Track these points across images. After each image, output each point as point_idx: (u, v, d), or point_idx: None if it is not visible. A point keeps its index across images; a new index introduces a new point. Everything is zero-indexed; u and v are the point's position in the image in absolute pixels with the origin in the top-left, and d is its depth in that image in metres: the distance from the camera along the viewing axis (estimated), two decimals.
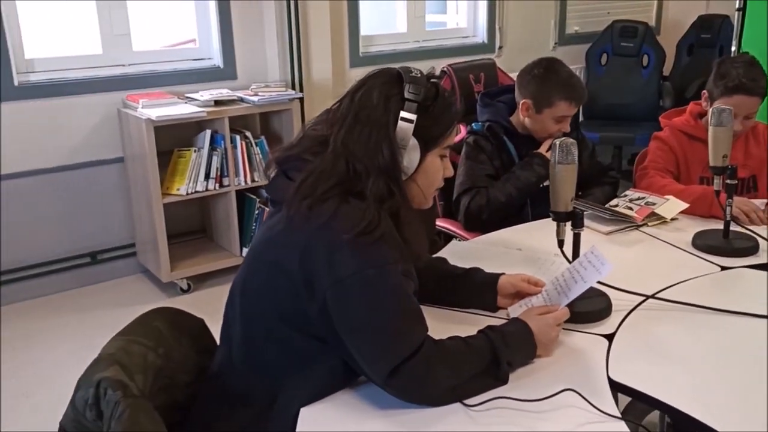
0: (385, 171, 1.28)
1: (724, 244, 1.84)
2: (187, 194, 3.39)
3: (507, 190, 2.17)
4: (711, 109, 1.84)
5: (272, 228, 1.32)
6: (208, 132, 3.44)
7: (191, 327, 1.45)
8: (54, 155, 3.37)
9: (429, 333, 1.26)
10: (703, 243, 1.87)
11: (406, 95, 1.30)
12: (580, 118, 4.93)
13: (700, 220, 2.07)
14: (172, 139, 3.49)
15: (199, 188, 3.42)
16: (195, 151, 3.43)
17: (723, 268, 1.77)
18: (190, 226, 3.83)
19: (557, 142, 1.51)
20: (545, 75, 2.20)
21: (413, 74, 1.33)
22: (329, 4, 3.89)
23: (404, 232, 1.32)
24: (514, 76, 2.38)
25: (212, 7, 3.69)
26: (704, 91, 2.29)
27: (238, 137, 3.50)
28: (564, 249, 1.55)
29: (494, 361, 1.27)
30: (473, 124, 2.38)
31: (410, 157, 1.32)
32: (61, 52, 3.41)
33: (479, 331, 1.33)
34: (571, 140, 1.52)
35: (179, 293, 3.46)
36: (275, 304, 1.27)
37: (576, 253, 1.53)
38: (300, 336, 1.27)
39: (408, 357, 1.20)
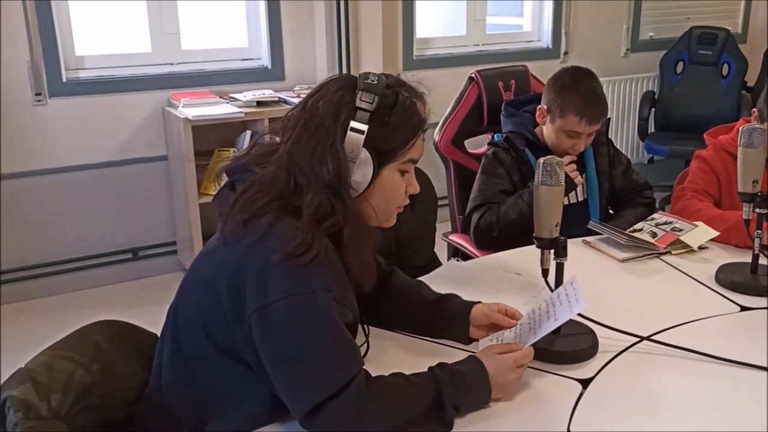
0: (329, 186, 1.18)
1: (750, 281, 1.62)
2: None
3: (519, 207, 2.01)
4: (741, 128, 1.63)
5: (210, 243, 1.25)
6: (248, 133, 3.43)
7: (140, 341, 1.38)
8: (100, 151, 3.44)
9: (387, 364, 1.14)
10: (727, 278, 1.65)
11: (358, 103, 1.19)
12: (650, 129, 4.64)
13: (733, 251, 1.85)
14: (216, 139, 3.50)
15: None
16: (234, 151, 3.42)
17: (743, 308, 1.55)
18: None
19: (541, 160, 1.36)
20: (566, 84, 2.03)
21: (369, 80, 1.21)
22: (382, 5, 3.81)
23: (346, 255, 1.20)
24: None
25: (262, 7, 3.67)
26: (754, 109, 2.05)
27: (278, 138, 3.46)
28: (549, 279, 1.39)
29: (438, 403, 1.15)
30: (495, 135, 2.23)
31: (362, 172, 1.21)
32: (111, 50, 3.47)
33: (428, 368, 1.20)
34: (558, 159, 1.36)
35: None
36: (205, 325, 1.19)
37: (558, 286, 1.37)
38: (229, 361, 1.18)
39: (334, 394, 1.09)
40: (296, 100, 3.42)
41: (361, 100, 1.19)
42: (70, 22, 3.30)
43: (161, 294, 3.47)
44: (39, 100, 3.25)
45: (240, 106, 3.37)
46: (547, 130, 2.10)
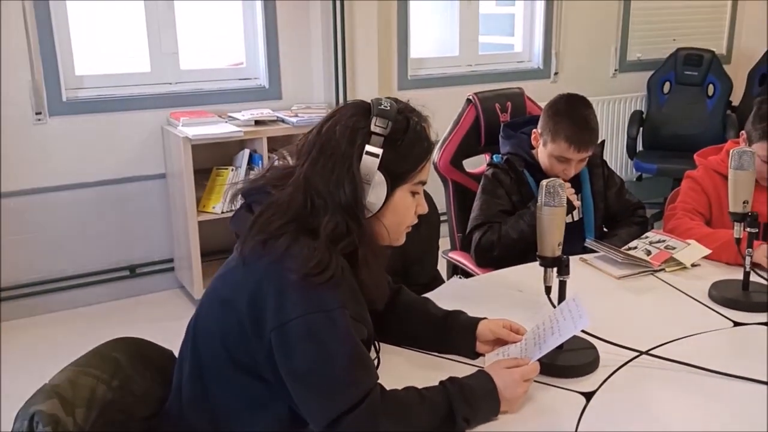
0: (345, 208, 1.23)
1: (742, 297, 1.69)
2: (222, 213, 3.43)
3: (519, 227, 2.06)
4: (731, 151, 1.70)
5: (228, 263, 1.29)
6: (247, 152, 3.48)
7: (156, 358, 1.42)
8: (99, 169, 3.47)
9: (398, 379, 1.19)
10: (720, 294, 1.72)
11: (373, 128, 1.25)
12: (639, 147, 4.73)
13: (724, 268, 1.91)
14: (214, 157, 3.55)
15: (234, 207, 3.44)
16: (232, 170, 3.47)
17: (736, 324, 1.62)
18: (229, 244, 3.82)
19: (544, 183, 1.42)
20: (560, 111, 2.10)
21: (382, 107, 1.27)
22: (377, 26, 3.88)
23: (361, 273, 1.26)
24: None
25: (260, 28, 3.73)
26: (743, 131, 2.13)
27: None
28: (552, 296, 1.45)
29: (449, 416, 1.20)
30: (494, 156, 2.30)
31: (376, 194, 1.26)
32: (111, 70, 3.51)
33: (440, 383, 1.25)
34: (560, 181, 1.42)
35: None
36: (225, 343, 1.23)
37: (561, 303, 1.43)
38: (248, 378, 1.22)
39: (351, 408, 1.14)
40: (294, 120, 3.50)
41: (375, 125, 1.24)
42: (71, 42, 3.34)
43: (158, 311, 3.53)
44: (39, 119, 3.29)
45: (239, 125, 3.42)
46: (540, 154, 2.17)
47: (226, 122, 3.47)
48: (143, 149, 3.56)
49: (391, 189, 1.28)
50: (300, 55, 3.83)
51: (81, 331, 3.27)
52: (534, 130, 2.18)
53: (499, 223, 2.13)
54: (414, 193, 1.34)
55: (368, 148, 1.24)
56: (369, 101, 1.30)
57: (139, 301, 3.63)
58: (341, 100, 3.86)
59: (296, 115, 3.56)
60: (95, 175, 3.47)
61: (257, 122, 3.50)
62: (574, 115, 2.08)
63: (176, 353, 1.37)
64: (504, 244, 2.09)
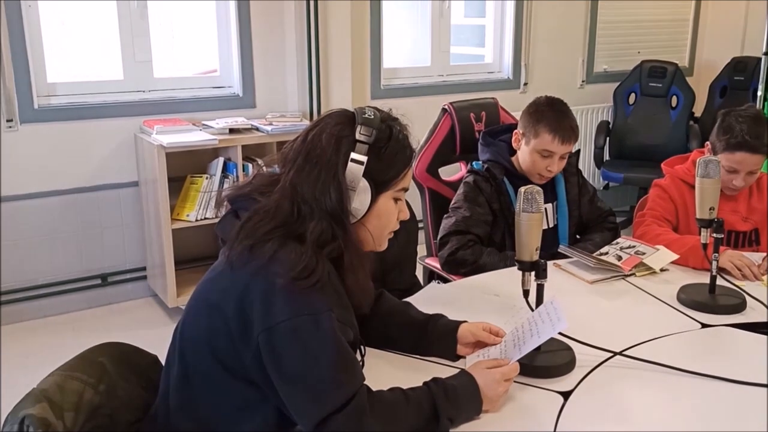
0: (331, 213, 1.26)
1: (709, 300, 1.76)
2: (196, 220, 3.42)
3: (495, 265, 2.09)
4: (698, 160, 1.77)
5: (215, 269, 1.31)
6: (221, 159, 3.48)
7: (141, 363, 1.44)
8: (71, 177, 3.45)
9: (382, 381, 1.22)
10: (688, 297, 1.79)
11: (358, 137, 1.28)
12: (606, 157, 4.85)
13: (692, 272, 1.99)
14: (187, 165, 3.54)
15: (209, 215, 3.45)
16: (207, 178, 3.47)
17: (704, 326, 1.69)
18: (203, 252, 3.85)
19: (522, 189, 1.47)
20: (541, 109, 2.17)
21: (366, 115, 1.31)
22: (351, 36, 3.92)
23: (346, 278, 1.29)
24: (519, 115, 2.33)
25: (234, 37, 3.75)
26: (707, 142, 2.21)
27: (250, 165, 3.53)
28: (529, 299, 1.50)
29: (433, 416, 1.23)
30: (473, 163, 2.34)
31: (361, 200, 1.30)
32: (83, 77, 3.50)
33: (423, 383, 1.29)
34: (537, 188, 1.47)
35: None
36: (212, 346, 1.25)
37: (539, 305, 1.47)
38: (235, 381, 1.24)
39: (339, 408, 1.16)
40: (269, 128, 3.52)
41: (360, 133, 1.28)
42: (43, 49, 3.32)
43: (131, 320, 3.51)
44: (10, 126, 3.26)
45: (213, 133, 3.43)
46: (522, 154, 2.22)
47: (201, 130, 3.47)
48: (116, 157, 3.55)
49: (375, 195, 1.31)
50: (274, 63, 3.85)
51: (52, 340, 3.24)
52: (515, 131, 2.24)
53: (479, 242, 2.17)
54: (396, 200, 1.38)
55: (353, 155, 1.28)
56: (352, 110, 1.34)
57: (111, 310, 3.61)
58: (315, 109, 3.89)
59: (271, 124, 3.58)
60: (67, 183, 3.44)
61: (232, 130, 3.51)
62: (555, 110, 2.16)
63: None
64: (476, 269, 2.11)
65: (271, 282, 1.19)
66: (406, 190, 1.39)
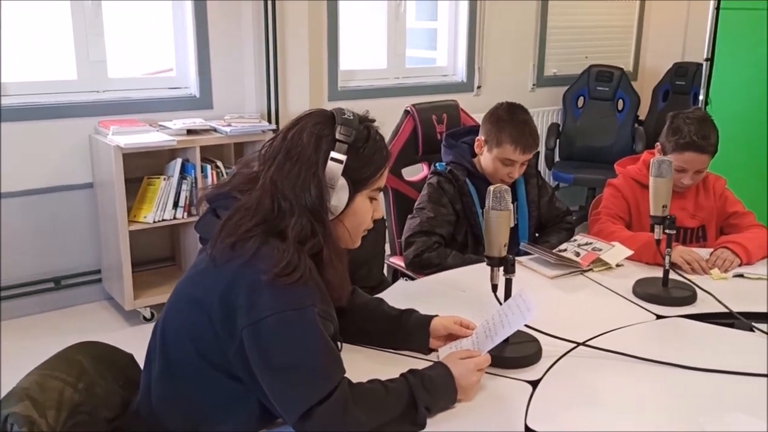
0: (311, 210, 1.30)
1: (662, 293, 1.86)
2: (154, 222, 3.40)
3: (458, 265, 2.15)
4: (651, 160, 1.87)
5: (196, 266, 1.33)
6: (179, 161, 3.46)
7: (118, 361, 1.45)
8: (23, 179, 3.38)
9: (359, 374, 1.26)
10: (643, 291, 1.88)
11: (338, 136, 1.32)
12: (556, 158, 4.99)
13: (645, 267, 2.09)
14: (144, 167, 3.51)
15: (167, 216, 3.43)
16: (165, 179, 3.44)
17: (658, 317, 1.78)
18: (160, 254, 3.83)
19: (491, 188, 1.54)
20: (502, 117, 2.24)
21: (346, 116, 1.35)
22: (308, 38, 3.95)
23: (326, 273, 1.33)
24: (480, 117, 2.40)
25: (190, 37, 3.73)
26: (657, 143, 2.33)
27: (209, 167, 3.52)
28: (498, 294, 1.56)
29: (412, 405, 1.28)
30: (437, 165, 2.40)
31: (339, 197, 1.34)
32: (36, 77, 3.43)
33: (401, 375, 1.33)
34: (505, 187, 1.54)
35: (142, 322, 3.44)
36: (195, 342, 1.27)
37: (507, 299, 1.54)
38: (219, 375, 1.27)
39: (322, 399, 1.20)
40: (228, 129, 3.52)
41: (340, 133, 1.32)
42: None
43: (86, 323, 3.45)
44: None
45: (171, 134, 3.41)
46: (484, 160, 2.30)
47: (158, 131, 3.45)
48: (69, 158, 3.49)
49: (353, 194, 1.36)
50: (231, 64, 3.85)
51: (5, 346, 3.16)
52: (477, 138, 2.31)
53: (444, 242, 2.22)
54: (372, 199, 1.42)
55: (333, 154, 1.32)
56: (331, 111, 1.38)
57: (65, 314, 3.54)
58: (273, 110, 3.90)
59: (229, 125, 3.57)
60: (19, 184, 3.37)
61: (190, 131, 3.49)
62: (515, 120, 2.23)
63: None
64: (440, 270, 2.16)
65: (256, 278, 1.22)
66: (380, 189, 1.44)
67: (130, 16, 3.71)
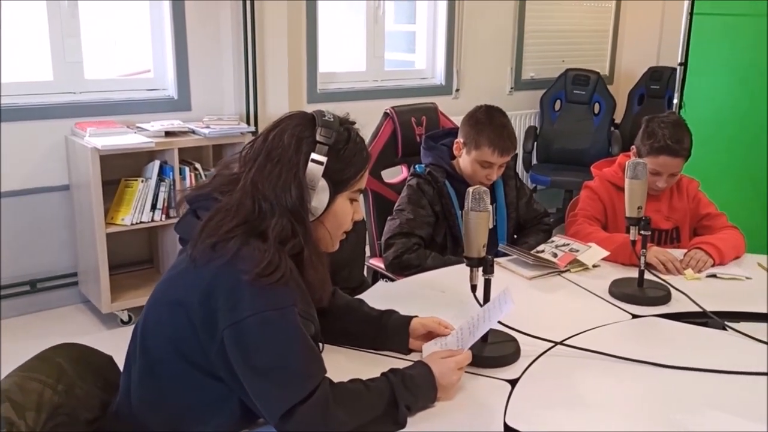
0: (291, 211, 1.30)
1: (638, 293, 1.89)
2: (132, 224, 3.37)
3: (438, 266, 2.17)
4: (627, 163, 1.90)
5: (176, 267, 1.33)
6: (157, 163, 3.44)
7: (97, 363, 1.44)
8: None
9: (340, 374, 1.27)
10: (619, 291, 1.91)
11: (318, 138, 1.33)
12: (534, 161, 5.03)
13: (621, 268, 2.12)
14: (122, 169, 3.49)
15: (144, 219, 3.41)
16: (142, 181, 3.42)
17: (634, 316, 1.81)
18: (138, 256, 3.80)
19: (470, 190, 1.55)
20: (481, 120, 2.26)
21: (326, 118, 1.36)
22: (288, 40, 3.95)
23: (307, 273, 1.33)
24: (459, 120, 2.42)
25: (168, 38, 3.71)
26: (633, 146, 2.37)
27: (187, 169, 3.51)
28: (477, 294, 1.58)
29: (393, 404, 1.29)
30: (416, 166, 2.42)
31: (319, 199, 1.35)
32: (11, 78, 3.39)
33: (382, 374, 1.34)
34: (484, 189, 1.56)
35: (119, 325, 3.42)
36: (176, 342, 1.27)
37: (487, 299, 1.56)
38: (200, 375, 1.27)
39: (303, 399, 1.21)
40: (206, 131, 3.51)
41: (320, 135, 1.33)
42: None
43: (63, 327, 3.42)
44: None
45: (149, 136, 3.39)
46: (463, 162, 2.32)
47: (135, 133, 3.43)
48: (45, 160, 3.46)
49: (333, 195, 1.37)
50: (210, 66, 3.84)
51: None
52: (456, 140, 2.33)
53: (423, 243, 2.24)
54: (352, 200, 1.43)
55: (314, 156, 1.32)
56: (311, 113, 1.39)
57: (41, 317, 3.51)
58: (252, 112, 3.90)
59: (208, 127, 3.56)
60: None
61: (168, 133, 3.48)
62: (494, 123, 2.25)
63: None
64: (419, 272, 2.17)
65: (236, 278, 1.22)
66: (361, 191, 1.45)
67: (107, 17, 3.69)
